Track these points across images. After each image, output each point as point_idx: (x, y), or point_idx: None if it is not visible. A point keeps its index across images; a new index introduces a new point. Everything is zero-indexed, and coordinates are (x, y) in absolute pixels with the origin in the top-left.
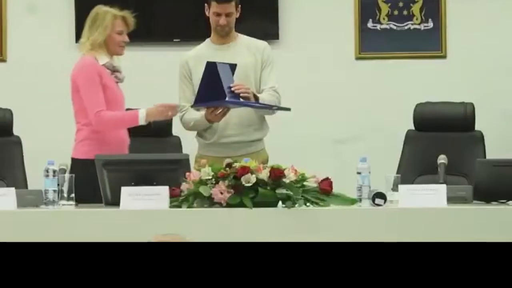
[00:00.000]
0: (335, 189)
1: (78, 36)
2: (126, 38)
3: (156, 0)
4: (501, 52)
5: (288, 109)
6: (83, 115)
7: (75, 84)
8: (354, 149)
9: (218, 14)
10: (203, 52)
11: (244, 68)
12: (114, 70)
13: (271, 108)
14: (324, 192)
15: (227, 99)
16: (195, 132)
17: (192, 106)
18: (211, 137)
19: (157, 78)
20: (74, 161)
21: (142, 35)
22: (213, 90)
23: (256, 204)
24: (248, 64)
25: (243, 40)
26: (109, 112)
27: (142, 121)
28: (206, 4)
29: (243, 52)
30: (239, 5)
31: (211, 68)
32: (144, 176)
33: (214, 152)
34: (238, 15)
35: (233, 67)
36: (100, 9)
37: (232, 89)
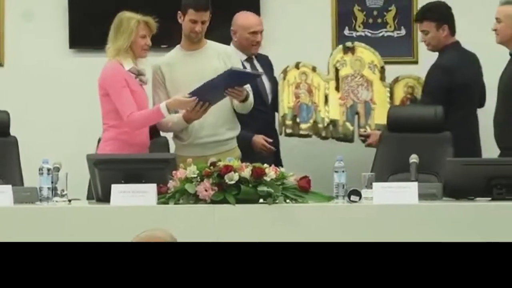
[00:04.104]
0: (313, 187)
1: (71, 42)
2: (149, 42)
3: (143, 6)
4: None
5: (261, 74)
6: (111, 117)
7: (103, 89)
8: (331, 149)
9: (195, 21)
10: (175, 58)
11: (215, 72)
12: (138, 74)
13: (250, 77)
14: (302, 189)
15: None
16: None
17: (189, 93)
18: (187, 138)
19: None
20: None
21: None
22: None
23: (239, 201)
24: (219, 69)
25: (212, 46)
26: (137, 113)
27: (166, 113)
28: (180, 12)
29: (213, 57)
30: (211, 13)
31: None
32: (133, 174)
33: (190, 152)
34: (208, 22)
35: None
36: (124, 15)
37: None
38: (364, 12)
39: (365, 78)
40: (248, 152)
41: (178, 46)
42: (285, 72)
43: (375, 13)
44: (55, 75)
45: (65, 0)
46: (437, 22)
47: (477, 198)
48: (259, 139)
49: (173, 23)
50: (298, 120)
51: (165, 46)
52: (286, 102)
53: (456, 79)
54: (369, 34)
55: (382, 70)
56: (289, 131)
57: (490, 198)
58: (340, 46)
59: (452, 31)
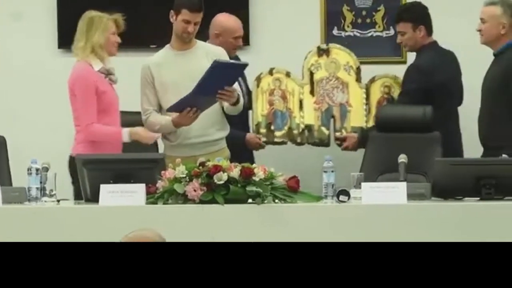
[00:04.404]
0: (303, 188)
1: (60, 42)
2: (119, 39)
3: (133, 6)
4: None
5: (246, 64)
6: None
7: (72, 91)
8: (321, 149)
9: (188, 22)
10: (164, 58)
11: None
12: (108, 74)
13: (235, 68)
14: (291, 189)
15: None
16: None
17: (167, 110)
18: (175, 139)
19: (133, 82)
20: (72, 158)
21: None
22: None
23: (228, 201)
24: None
25: (201, 46)
26: (97, 126)
27: (126, 139)
28: (173, 11)
29: (202, 58)
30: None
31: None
32: (122, 174)
33: (179, 153)
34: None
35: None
36: (92, 13)
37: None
38: (353, 12)
39: (340, 80)
40: (241, 151)
41: (167, 45)
42: (258, 79)
43: (364, 13)
44: (44, 75)
45: (54, 0)
46: (413, 23)
47: (466, 198)
48: (253, 137)
49: (163, 23)
50: (272, 127)
51: (154, 46)
52: (260, 110)
53: (433, 80)
54: (358, 34)
55: (358, 71)
56: (263, 139)
57: (478, 198)
58: (315, 49)
59: (429, 31)
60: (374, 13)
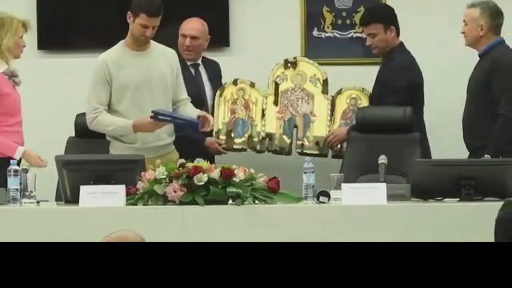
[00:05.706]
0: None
1: (39, 44)
2: (25, 42)
3: (109, 6)
4: (432, 59)
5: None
6: None
7: None
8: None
9: (146, 26)
10: (123, 58)
11: (163, 75)
12: (12, 76)
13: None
14: (271, 190)
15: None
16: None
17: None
18: (132, 142)
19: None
20: None
21: (93, 42)
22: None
23: (208, 202)
24: (166, 72)
25: (157, 47)
26: None
27: (17, 157)
28: (130, 12)
29: (160, 59)
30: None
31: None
32: (102, 175)
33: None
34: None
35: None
36: (1, 14)
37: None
38: (333, 13)
39: (306, 91)
40: (201, 155)
41: (122, 42)
42: (222, 89)
43: (344, 14)
44: (23, 76)
45: (34, 1)
46: (384, 24)
47: (446, 199)
48: (213, 141)
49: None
50: (232, 135)
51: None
52: (221, 118)
53: (417, 78)
54: (338, 35)
55: (325, 83)
56: (223, 145)
57: (458, 199)
58: (281, 62)
59: (398, 32)
60: (354, 14)
